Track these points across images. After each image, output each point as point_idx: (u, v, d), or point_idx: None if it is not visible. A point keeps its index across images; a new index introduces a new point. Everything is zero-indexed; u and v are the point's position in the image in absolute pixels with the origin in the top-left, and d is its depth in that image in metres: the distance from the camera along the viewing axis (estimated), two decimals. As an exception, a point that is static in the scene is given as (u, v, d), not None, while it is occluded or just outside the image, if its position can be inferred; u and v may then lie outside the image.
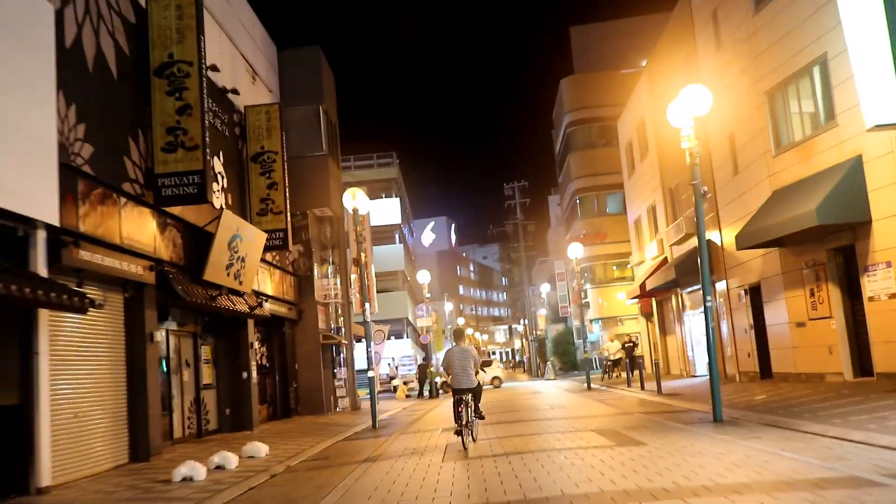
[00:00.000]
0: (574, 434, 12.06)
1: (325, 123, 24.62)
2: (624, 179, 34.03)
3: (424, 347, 47.69)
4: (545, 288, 53.11)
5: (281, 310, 21.19)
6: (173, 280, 13.41)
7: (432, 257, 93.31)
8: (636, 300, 32.43)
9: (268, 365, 21.58)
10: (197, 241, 14.93)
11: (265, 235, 17.74)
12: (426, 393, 32.51)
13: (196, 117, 13.33)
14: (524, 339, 73.79)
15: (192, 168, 13.28)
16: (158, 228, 13.53)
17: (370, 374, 18.04)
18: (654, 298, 30.02)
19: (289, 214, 18.83)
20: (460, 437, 11.18)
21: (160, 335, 14.03)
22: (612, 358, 28.55)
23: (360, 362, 51.81)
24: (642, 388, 22.53)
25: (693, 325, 25.00)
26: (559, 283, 60.07)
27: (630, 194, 32.89)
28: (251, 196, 18.92)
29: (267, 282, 19.91)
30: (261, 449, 12.48)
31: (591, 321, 51.75)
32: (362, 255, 18.27)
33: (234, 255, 15.65)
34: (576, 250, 29.05)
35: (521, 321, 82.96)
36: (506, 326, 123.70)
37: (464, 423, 11.14)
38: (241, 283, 16.40)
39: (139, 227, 12.68)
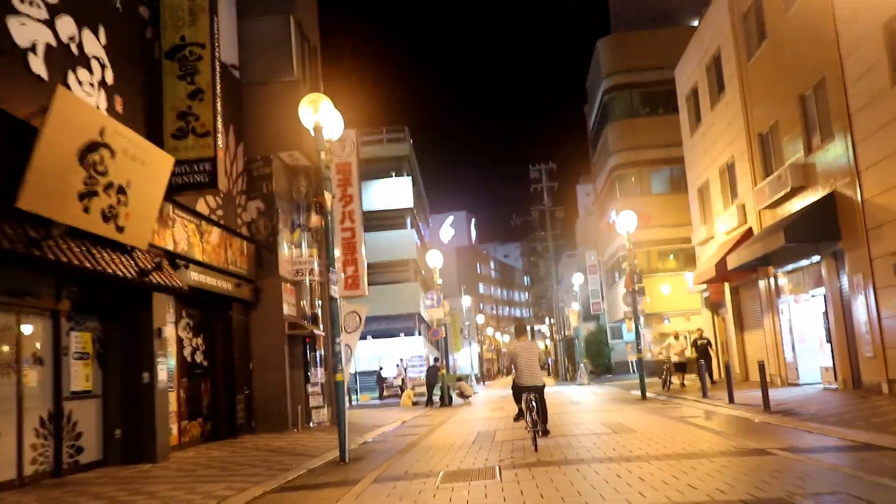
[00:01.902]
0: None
1: (298, 40, 18.34)
2: (684, 139, 27.49)
3: (436, 346, 41.33)
4: (578, 279, 46.55)
5: (224, 285, 14.91)
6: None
7: (451, 253, 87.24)
8: (701, 288, 25.85)
9: (205, 363, 15.30)
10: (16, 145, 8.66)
11: (171, 160, 11.44)
12: (436, 400, 26.19)
13: None
14: (550, 340, 67.18)
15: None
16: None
17: (338, 376, 11.69)
18: (726, 283, 23.44)
19: (219, 137, 12.51)
20: (525, 429, 10.97)
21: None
22: (676, 360, 21.87)
23: (367, 363, 45.81)
24: (731, 399, 16.05)
25: (795, 316, 18.42)
26: (591, 277, 53.54)
27: (692, 156, 26.34)
28: (165, 109, 12.62)
29: (196, 241, 13.63)
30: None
31: (628, 319, 45.17)
32: (331, 198, 11.97)
33: (97, 176, 9.34)
34: (628, 220, 22.57)
35: (546, 320, 76.31)
36: (528, 328, 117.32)
37: (532, 423, 10.65)
38: (119, 228, 10.09)
39: None
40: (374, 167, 48.62)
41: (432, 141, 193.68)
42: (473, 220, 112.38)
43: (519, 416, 11.32)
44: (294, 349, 17.77)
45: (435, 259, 27.66)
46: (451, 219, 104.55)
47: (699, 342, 22.19)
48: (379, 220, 47.86)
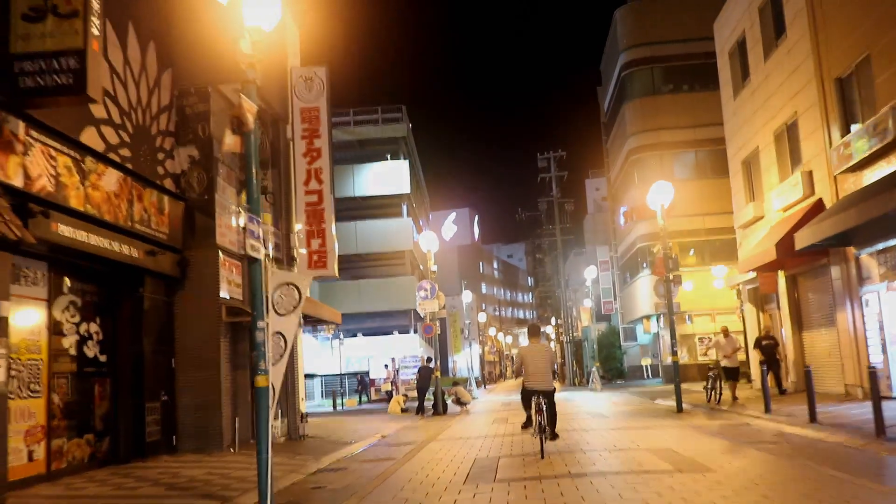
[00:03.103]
0: None
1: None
2: (724, 104, 23.28)
3: (431, 344, 37.18)
4: (590, 272, 42.23)
5: (127, 251, 10.77)
6: None
7: (453, 251, 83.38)
8: (743, 279, 21.66)
9: (101, 359, 11.16)
10: None
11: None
12: (428, 406, 22.07)
13: None
14: (556, 342, 62.96)
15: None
16: None
17: (259, 380, 7.58)
18: (780, 272, 19.27)
19: (93, 21, 8.35)
20: (532, 434, 10.49)
21: None
22: (726, 364, 17.44)
23: (358, 363, 41.65)
24: (813, 417, 11.90)
25: (887, 309, 14.21)
26: (602, 274, 49.34)
27: (735, 123, 22.15)
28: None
29: (71, 182, 9.49)
30: None
31: (645, 318, 41.05)
32: (253, 110, 7.90)
33: None
34: (662, 191, 18.50)
35: (552, 321, 72.10)
36: (541, 329, 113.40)
37: (539, 429, 10.10)
38: None
39: None
40: (368, 150, 44.51)
41: (433, 136, 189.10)
42: (476, 217, 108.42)
43: (527, 423, 10.93)
44: (237, 343, 13.64)
45: (429, 242, 23.51)
46: (453, 216, 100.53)
47: (764, 342, 17.95)
48: (372, 208, 43.78)
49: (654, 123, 36.50)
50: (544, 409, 10.23)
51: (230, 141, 7.95)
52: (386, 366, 33.72)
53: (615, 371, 45.62)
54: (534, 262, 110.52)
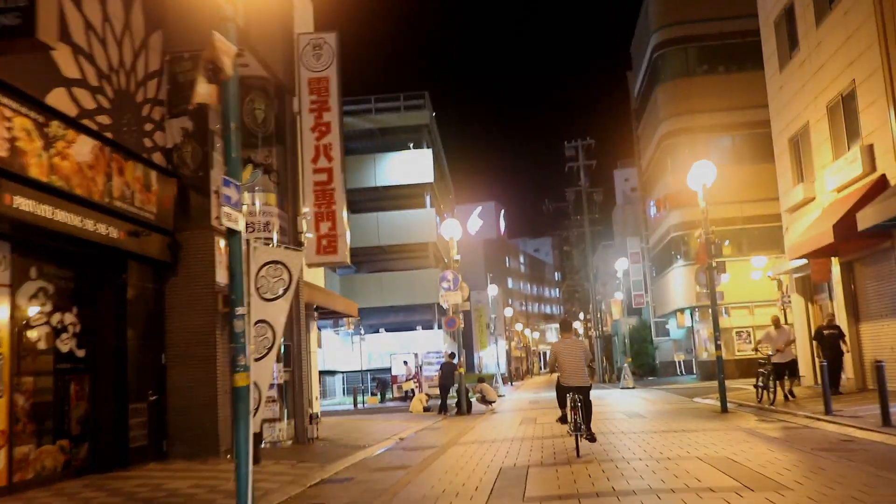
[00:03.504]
0: None
1: None
2: (768, 78, 21.57)
3: (454, 338, 35.77)
4: (622, 264, 40.50)
5: (105, 231, 9.49)
6: None
7: (479, 246, 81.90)
8: (789, 267, 20.04)
9: (80, 354, 9.89)
10: None
11: None
12: (451, 405, 20.70)
13: None
14: (584, 337, 61.27)
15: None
16: None
17: (237, 379, 6.27)
18: (835, 259, 17.63)
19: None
20: (568, 431, 10.08)
21: None
22: (779, 359, 15.69)
23: (380, 359, 40.35)
24: (886, 420, 10.38)
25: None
26: (633, 267, 47.60)
27: (781, 98, 20.48)
28: None
29: (32, 148, 8.18)
30: None
31: (679, 312, 39.32)
32: (232, 54, 6.57)
33: None
34: (704, 171, 16.98)
35: (580, 315, 70.42)
36: (557, 325, 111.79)
37: (575, 427, 9.79)
38: None
39: None
40: (389, 138, 43.17)
41: (458, 129, 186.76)
42: (503, 211, 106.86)
43: (563, 419, 10.47)
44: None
45: (451, 230, 22.10)
46: (479, 209, 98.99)
47: (826, 332, 16.23)
48: (394, 198, 42.47)
49: (687, 106, 34.80)
50: (580, 406, 9.92)
51: (204, 91, 6.64)
52: (405, 362, 32.33)
53: (647, 367, 44.01)
54: (561, 255, 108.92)
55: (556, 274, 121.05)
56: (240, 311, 6.31)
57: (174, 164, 11.66)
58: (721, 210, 32.65)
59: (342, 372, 39.77)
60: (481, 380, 23.01)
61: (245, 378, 6.29)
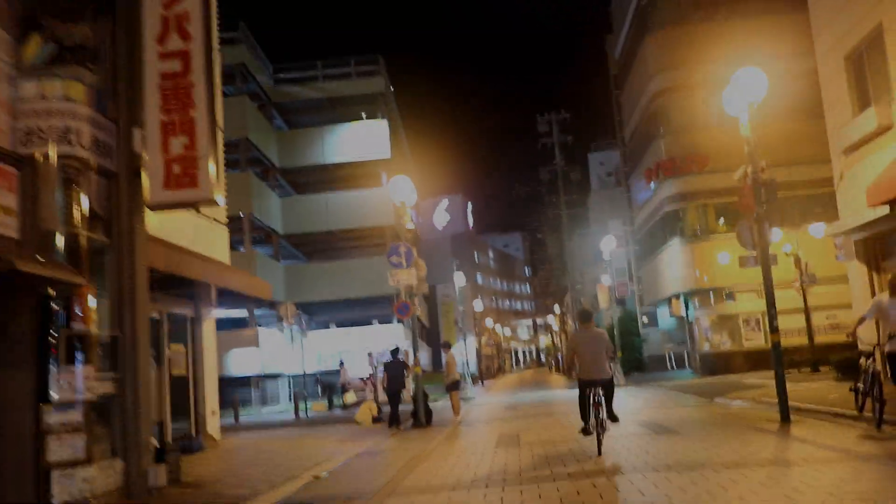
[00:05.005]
0: None
1: None
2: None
3: (422, 333, 30.53)
4: (609, 243, 35.46)
5: None
6: None
7: (446, 240, 77.00)
8: (857, 224, 15.05)
9: None
10: None
11: None
12: (407, 414, 15.48)
13: None
14: (561, 332, 56.33)
15: None
16: None
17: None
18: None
19: None
20: (590, 429, 9.18)
21: None
22: (889, 348, 10.13)
23: (331, 360, 34.81)
24: None
25: None
26: (615, 253, 42.70)
27: (829, 2, 15.52)
28: None
29: None
30: None
31: (674, 298, 34.43)
32: None
33: None
34: (752, 79, 11.96)
35: (555, 308, 65.57)
36: (529, 321, 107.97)
37: (595, 423, 9.12)
38: None
39: None
40: (340, 110, 37.85)
41: (419, 113, 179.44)
42: (470, 204, 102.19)
43: (587, 430, 9.25)
44: (17, 317, 7.01)
45: (402, 190, 16.83)
46: (445, 202, 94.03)
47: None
48: (346, 178, 37.22)
49: (682, 58, 30.06)
50: (602, 401, 9.31)
51: None
52: (342, 363, 27.03)
53: (634, 362, 39.14)
54: (531, 249, 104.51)
55: (526, 269, 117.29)
56: None
57: None
58: (725, 179, 27.87)
59: (288, 375, 34.39)
60: (455, 382, 17.55)
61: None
